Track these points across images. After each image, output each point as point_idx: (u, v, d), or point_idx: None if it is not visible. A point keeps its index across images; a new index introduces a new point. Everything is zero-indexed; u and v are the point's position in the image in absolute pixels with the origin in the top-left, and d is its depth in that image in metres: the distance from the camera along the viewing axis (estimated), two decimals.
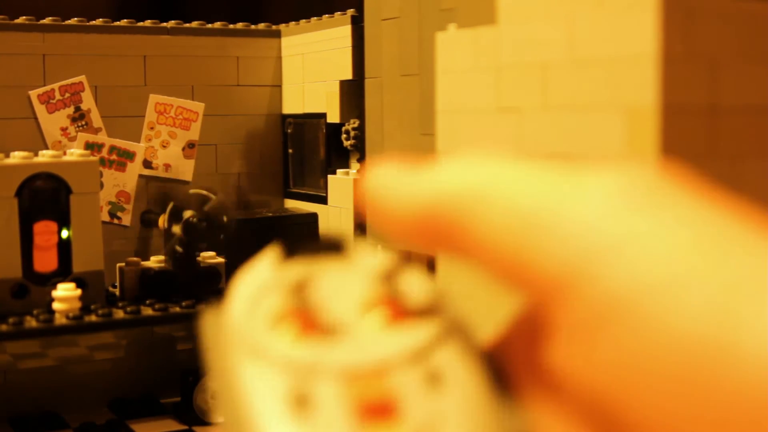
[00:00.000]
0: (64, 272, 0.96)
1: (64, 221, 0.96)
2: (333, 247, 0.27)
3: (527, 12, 0.57)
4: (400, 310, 0.25)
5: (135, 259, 1.03)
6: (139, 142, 1.11)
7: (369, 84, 0.97)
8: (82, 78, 1.07)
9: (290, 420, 0.22)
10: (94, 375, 1.11)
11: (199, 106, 1.14)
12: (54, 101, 1.06)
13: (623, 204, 0.22)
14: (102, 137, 1.09)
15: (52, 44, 1.06)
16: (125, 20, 1.11)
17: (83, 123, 1.08)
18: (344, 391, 0.23)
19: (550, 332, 0.23)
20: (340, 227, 1.07)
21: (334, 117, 1.08)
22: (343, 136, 1.06)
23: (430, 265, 0.74)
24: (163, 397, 1.11)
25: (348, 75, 1.04)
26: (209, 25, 1.16)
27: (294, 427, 0.22)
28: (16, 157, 0.94)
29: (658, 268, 0.20)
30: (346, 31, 1.04)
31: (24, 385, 1.07)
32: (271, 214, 1.13)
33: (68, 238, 0.96)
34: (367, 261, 0.27)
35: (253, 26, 1.18)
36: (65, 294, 0.93)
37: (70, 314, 0.92)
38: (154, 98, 1.12)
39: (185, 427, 1.03)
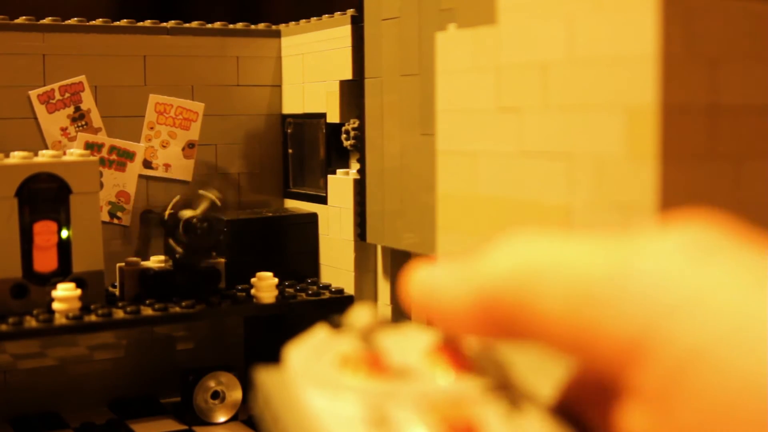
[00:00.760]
0: (64, 272, 0.96)
1: (64, 221, 0.96)
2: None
3: (527, 12, 0.57)
4: (461, 364, 0.26)
5: (135, 259, 1.03)
6: (139, 142, 1.11)
7: (369, 84, 0.97)
8: (82, 78, 1.07)
9: None
10: (94, 375, 1.11)
11: (199, 106, 1.14)
12: (54, 101, 1.06)
13: (686, 260, 0.22)
14: (102, 137, 1.09)
15: (52, 44, 1.06)
16: (125, 20, 1.11)
17: (83, 123, 1.08)
18: (426, 415, 0.23)
19: (621, 394, 0.23)
20: (339, 228, 1.07)
21: (334, 117, 1.08)
22: (343, 136, 1.06)
23: None
24: (163, 397, 1.11)
25: (348, 75, 1.04)
26: (209, 25, 1.16)
27: None
28: (16, 157, 0.94)
29: (730, 316, 0.20)
30: (346, 31, 1.04)
31: (24, 385, 1.07)
32: (271, 214, 1.13)
33: (68, 238, 0.96)
34: (421, 330, 0.27)
35: (253, 26, 1.18)
36: (65, 294, 0.93)
37: (70, 314, 0.92)
38: (154, 98, 1.12)
39: (185, 427, 1.03)
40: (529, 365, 0.28)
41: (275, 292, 1.02)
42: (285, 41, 1.18)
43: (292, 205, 1.19)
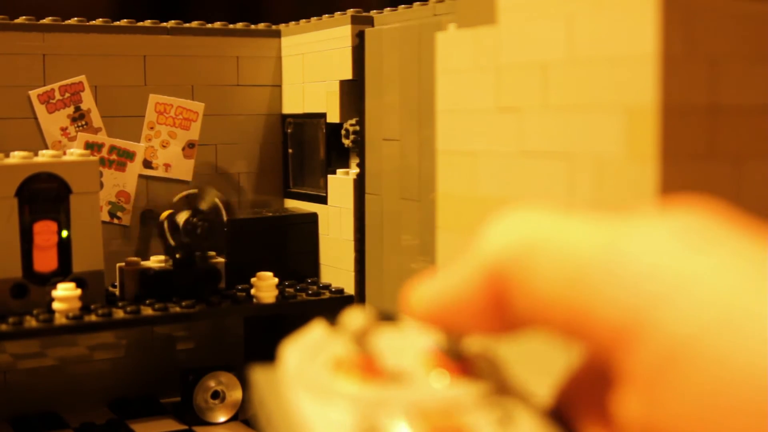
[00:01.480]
0: (64, 272, 0.96)
1: (64, 221, 0.96)
2: (382, 317, 0.27)
3: (527, 12, 0.57)
4: (458, 367, 0.25)
5: (135, 259, 1.03)
6: (139, 142, 1.11)
7: (369, 83, 0.97)
8: (82, 78, 1.07)
9: None
10: (94, 375, 1.11)
11: (199, 106, 1.14)
12: (54, 101, 1.06)
13: (680, 247, 0.22)
14: (102, 137, 1.09)
15: (52, 44, 1.06)
16: (125, 20, 1.11)
17: (83, 123, 1.08)
18: (417, 423, 0.23)
19: (615, 380, 0.23)
20: (339, 228, 1.07)
21: (334, 117, 1.08)
22: (343, 135, 1.06)
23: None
24: (163, 397, 1.11)
25: (348, 75, 1.04)
26: (209, 25, 1.16)
27: None
28: (16, 157, 0.94)
29: (721, 305, 0.20)
30: (346, 31, 1.04)
31: (24, 385, 1.07)
32: (271, 214, 1.13)
33: (68, 237, 0.96)
34: (418, 328, 0.26)
35: (253, 26, 1.18)
36: (65, 294, 0.93)
37: (70, 314, 0.92)
38: (154, 98, 1.12)
39: (185, 427, 1.03)
40: (527, 365, 0.28)
41: (275, 292, 1.02)
42: (285, 41, 1.18)
43: (292, 205, 1.19)
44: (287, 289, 1.06)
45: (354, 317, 0.25)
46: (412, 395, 0.24)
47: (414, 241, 0.91)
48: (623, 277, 0.22)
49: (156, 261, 1.03)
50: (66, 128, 1.07)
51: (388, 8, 1.01)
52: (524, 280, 0.23)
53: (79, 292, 0.93)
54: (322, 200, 1.11)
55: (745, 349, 0.19)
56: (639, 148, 0.50)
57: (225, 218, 0.97)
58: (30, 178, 0.94)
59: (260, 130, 1.19)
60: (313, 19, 1.13)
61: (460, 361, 0.25)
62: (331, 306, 1.04)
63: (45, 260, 0.95)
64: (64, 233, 0.96)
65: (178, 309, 0.98)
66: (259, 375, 0.26)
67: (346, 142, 1.06)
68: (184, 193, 1.00)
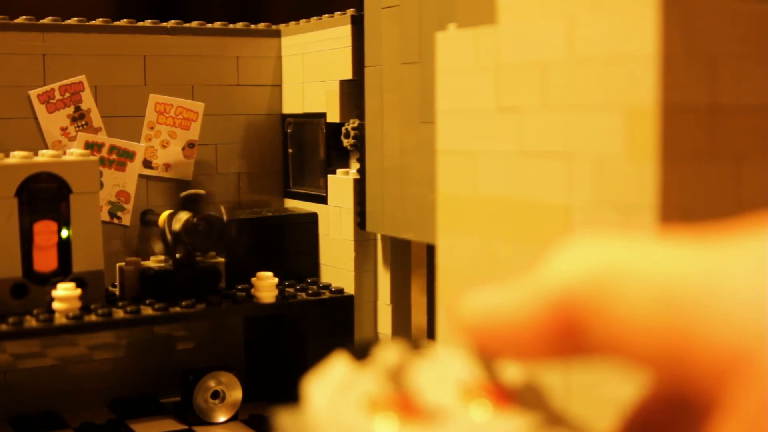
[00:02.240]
0: (64, 272, 0.96)
1: (64, 221, 0.96)
2: (407, 345, 0.25)
3: (527, 12, 0.57)
4: (502, 397, 0.23)
5: (135, 259, 1.03)
6: (139, 141, 1.11)
7: (369, 74, 0.97)
8: (82, 78, 1.07)
9: None
10: (94, 375, 1.11)
11: (199, 106, 1.14)
12: (54, 101, 1.06)
13: None
14: (102, 137, 1.09)
15: (52, 44, 1.06)
16: (125, 20, 1.11)
17: (83, 123, 1.08)
18: None
19: (713, 411, 0.21)
20: (339, 228, 1.07)
21: (334, 117, 1.08)
22: (343, 135, 1.06)
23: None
24: (163, 397, 1.11)
25: (348, 75, 1.04)
26: (209, 25, 1.16)
27: None
28: (16, 157, 0.94)
29: None
30: (346, 31, 1.04)
31: (24, 385, 1.07)
32: (271, 214, 1.13)
33: (68, 237, 0.96)
34: (453, 354, 0.25)
35: (253, 26, 1.18)
36: (65, 294, 0.93)
37: (70, 314, 0.92)
38: (154, 98, 1.12)
39: (185, 427, 1.03)
40: (579, 395, 0.26)
41: (275, 292, 1.02)
42: (285, 41, 1.18)
43: (292, 205, 1.19)
44: (287, 289, 1.06)
45: (386, 351, 0.24)
46: None
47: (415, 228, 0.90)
48: (728, 300, 0.20)
49: (156, 261, 1.03)
50: (66, 128, 1.07)
51: None
52: (607, 305, 0.22)
53: (79, 292, 0.93)
54: (322, 200, 1.11)
55: None
56: (639, 148, 0.50)
57: (225, 219, 0.97)
58: (30, 178, 0.94)
59: (260, 130, 1.19)
60: (313, 19, 1.13)
61: (500, 390, 0.24)
62: (331, 306, 1.04)
63: (45, 260, 0.95)
64: (64, 233, 0.96)
65: (178, 309, 0.98)
66: (284, 418, 0.24)
67: (346, 142, 1.06)
68: (185, 193, 1.00)
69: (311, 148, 1.17)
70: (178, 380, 1.06)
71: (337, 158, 1.10)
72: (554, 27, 0.55)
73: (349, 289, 1.05)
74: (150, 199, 1.12)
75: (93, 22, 1.09)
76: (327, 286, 1.08)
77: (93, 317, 0.94)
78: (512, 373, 0.24)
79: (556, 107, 0.55)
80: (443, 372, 0.24)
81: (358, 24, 1.01)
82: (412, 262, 1.05)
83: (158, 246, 1.02)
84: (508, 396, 0.23)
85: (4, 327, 0.90)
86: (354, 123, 1.03)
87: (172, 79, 1.13)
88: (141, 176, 1.11)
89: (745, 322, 0.20)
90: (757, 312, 0.20)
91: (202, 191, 0.99)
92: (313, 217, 1.12)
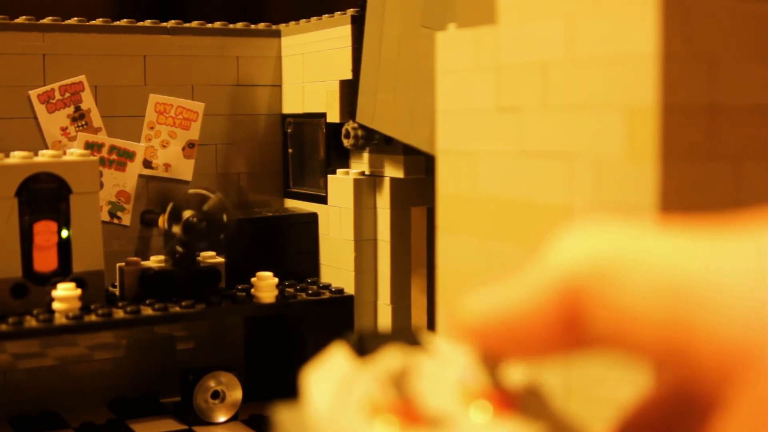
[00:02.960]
0: (64, 272, 0.96)
1: (64, 221, 0.96)
2: (408, 340, 0.25)
3: (527, 12, 0.57)
4: (504, 402, 0.23)
5: (135, 259, 1.03)
6: (139, 141, 1.11)
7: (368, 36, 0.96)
8: (82, 78, 1.07)
9: None
10: (94, 375, 1.11)
11: (199, 106, 1.14)
12: (54, 101, 1.06)
13: None
14: (102, 137, 1.09)
15: (52, 44, 1.06)
16: (125, 20, 1.11)
17: (83, 123, 1.08)
18: None
19: (716, 408, 0.20)
20: (339, 229, 1.07)
21: (334, 117, 1.08)
22: (343, 135, 1.06)
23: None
24: (163, 397, 1.11)
25: (348, 75, 1.04)
26: (209, 25, 1.16)
27: None
28: (16, 157, 0.94)
29: None
30: (346, 30, 1.04)
31: (24, 385, 1.07)
32: (271, 214, 1.13)
33: (68, 237, 0.96)
34: (454, 353, 0.24)
35: (253, 26, 1.18)
36: (65, 294, 0.93)
37: (70, 314, 0.92)
38: (154, 98, 1.12)
39: (185, 427, 1.03)
40: (579, 395, 0.26)
41: (275, 292, 1.02)
42: (285, 41, 1.18)
43: (292, 205, 1.19)
44: (287, 289, 1.06)
45: (388, 354, 0.23)
46: None
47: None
48: (733, 294, 0.20)
49: (156, 261, 1.03)
50: (66, 128, 1.07)
51: None
52: (609, 294, 0.21)
53: (79, 292, 0.93)
54: (322, 200, 1.11)
55: None
56: (639, 148, 0.50)
57: (226, 219, 0.97)
58: (30, 178, 0.94)
59: (260, 130, 1.19)
60: (313, 19, 1.13)
61: (501, 392, 0.23)
62: (331, 306, 1.04)
63: (45, 260, 0.95)
64: (64, 233, 0.96)
65: (178, 309, 0.98)
66: (284, 414, 0.24)
67: (346, 142, 1.06)
68: (191, 191, 1.00)
69: (311, 148, 1.17)
70: (178, 380, 1.06)
71: (337, 158, 1.10)
72: (554, 27, 0.55)
73: (349, 289, 1.05)
74: (150, 199, 1.12)
75: (93, 22, 1.09)
76: (327, 286, 1.08)
77: (93, 317, 0.94)
78: (515, 377, 0.24)
79: (556, 107, 0.55)
80: (445, 375, 0.24)
81: (358, 24, 1.01)
82: (412, 262, 1.05)
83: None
84: (510, 401, 0.23)
85: (4, 327, 0.90)
86: (354, 123, 1.03)
87: (172, 79, 1.13)
88: (141, 176, 1.11)
89: (748, 317, 0.19)
90: (759, 307, 0.19)
91: (202, 191, 0.99)
92: (313, 217, 1.12)
